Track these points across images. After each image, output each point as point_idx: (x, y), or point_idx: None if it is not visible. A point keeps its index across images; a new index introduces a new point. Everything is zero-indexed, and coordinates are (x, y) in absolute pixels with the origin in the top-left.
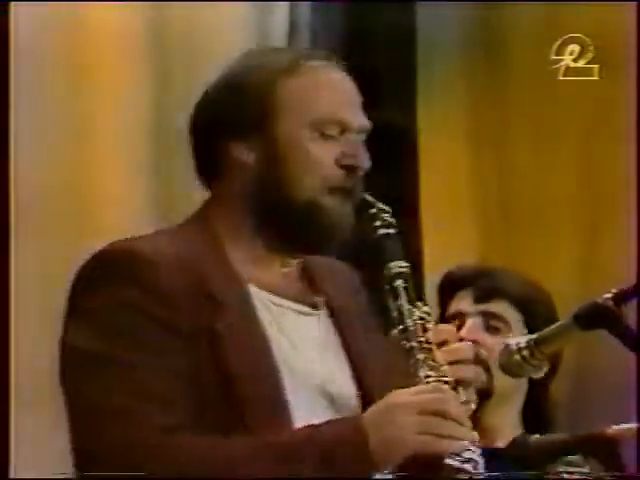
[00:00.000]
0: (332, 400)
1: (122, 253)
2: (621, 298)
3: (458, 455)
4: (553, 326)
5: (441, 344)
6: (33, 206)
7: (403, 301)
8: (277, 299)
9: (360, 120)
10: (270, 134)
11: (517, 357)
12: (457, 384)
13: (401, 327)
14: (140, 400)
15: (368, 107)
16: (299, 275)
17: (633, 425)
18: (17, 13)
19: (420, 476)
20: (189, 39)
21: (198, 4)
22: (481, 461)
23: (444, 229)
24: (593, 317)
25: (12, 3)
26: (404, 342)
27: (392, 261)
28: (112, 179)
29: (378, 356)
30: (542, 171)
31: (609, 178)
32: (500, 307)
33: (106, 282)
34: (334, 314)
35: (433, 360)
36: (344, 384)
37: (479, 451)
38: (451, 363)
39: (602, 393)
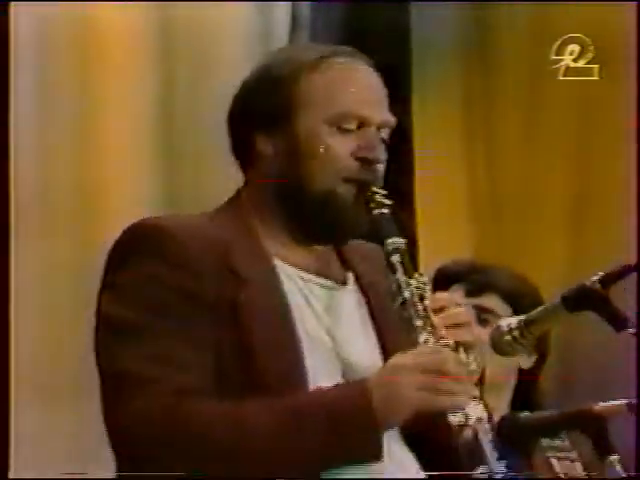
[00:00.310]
0: (352, 370)
1: (150, 228)
2: (608, 280)
3: (462, 412)
4: (542, 307)
5: (439, 311)
6: (34, 205)
7: (400, 275)
8: (304, 274)
9: (382, 115)
10: (291, 128)
11: (508, 337)
12: (457, 346)
13: (400, 299)
14: (161, 364)
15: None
16: (329, 254)
17: (620, 402)
18: (20, 12)
19: (426, 434)
20: (193, 37)
21: (202, 4)
22: (486, 417)
23: (438, 223)
24: (581, 299)
25: (12, 3)
26: (404, 312)
27: (388, 238)
28: (116, 177)
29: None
30: (534, 166)
31: (600, 175)
32: (491, 301)
33: (135, 257)
34: (364, 290)
35: (431, 326)
36: (367, 356)
37: (482, 407)
38: (450, 327)
39: (586, 374)
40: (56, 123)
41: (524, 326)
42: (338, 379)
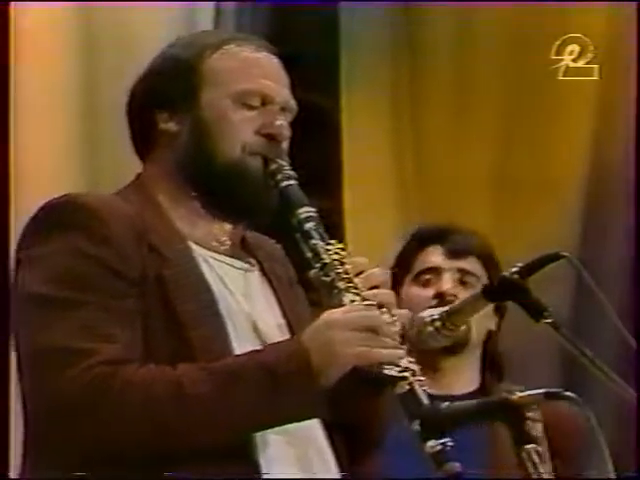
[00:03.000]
0: None
1: (68, 203)
2: (526, 271)
3: (396, 365)
4: (463, 299)
5: (357, 275)
6: None
7: (317, 240)
8: (216, 255)
9: (282, 94)
10: (196, 105)
11: (430, 328)
12: (380, 307)
13: (319, 264)
14: (91, 337)
15: (292, 93)
16: (237, 237)
17: (538, 391)
18: None
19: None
20: (117, 29)
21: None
22: (418, 369)
23: (365, 208)
24: (501, 289)
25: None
26: (324, 277)
27: (299, 207)
28: (39, 167)
29: (307, 317)
30: (460, 150)
31: (525, 159)
32: (473, 264)
33: (54, 231)
34: (266, 274)
35: (355, 287)
36: (280, 336)
37: (414, 360)
38: (370, 289)
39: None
40: None
41: (446, 317)
42: None
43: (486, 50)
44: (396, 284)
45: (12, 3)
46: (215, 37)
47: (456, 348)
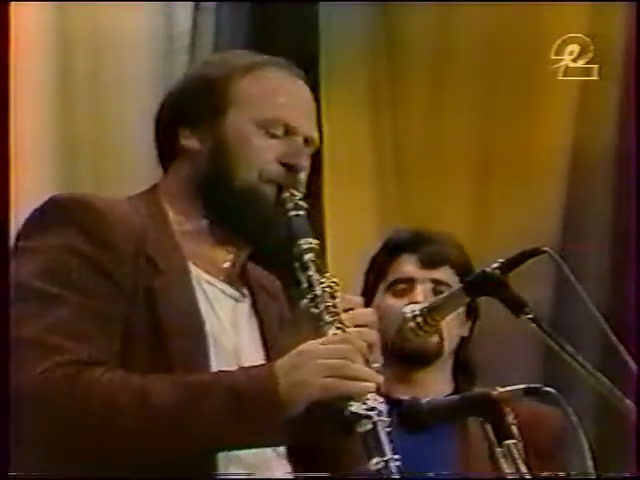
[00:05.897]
0: None
1: (74, 201)
2: (507, 266)
3: (363, 403)
4: (444, 295)
5: (346, 311)
6: None
7: (312, 272)
8: (211, 279)
9: (307, 126)
10: (220, 125)
11: (412, 324)
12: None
13: (310, 295)
14: (64, 335)
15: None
16: (236, 267)
17: (518, 387)
18: None
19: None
20: (93, 31)
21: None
22: (385, 409)
23: (345, 202)
24: (481, 285)
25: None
26: (313, 308)
27: (302, 238)
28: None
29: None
30: (438, 144)
31: (503, 144)
32: (446, 274)
33: (55, 226)
34: (257, 308)
35: (340, 322)
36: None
37: (382, 400)
38: (356, 327)
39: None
40: None
41: (427, 313)
42: None
43: (464, 43)
44: (371, 290)
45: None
46: (248, 59)
47: (430, 359)
